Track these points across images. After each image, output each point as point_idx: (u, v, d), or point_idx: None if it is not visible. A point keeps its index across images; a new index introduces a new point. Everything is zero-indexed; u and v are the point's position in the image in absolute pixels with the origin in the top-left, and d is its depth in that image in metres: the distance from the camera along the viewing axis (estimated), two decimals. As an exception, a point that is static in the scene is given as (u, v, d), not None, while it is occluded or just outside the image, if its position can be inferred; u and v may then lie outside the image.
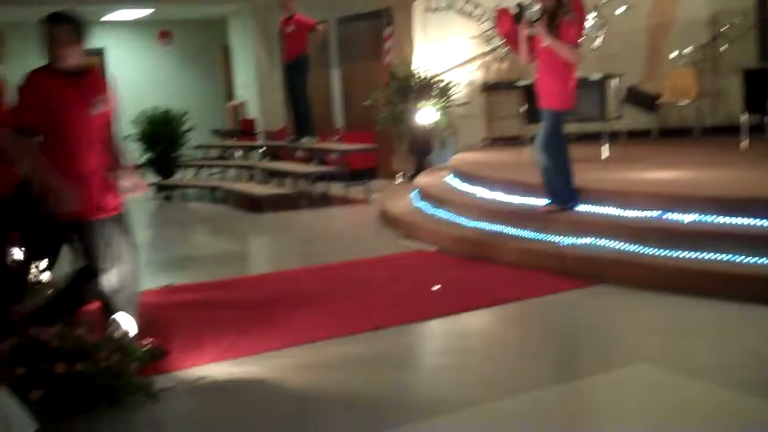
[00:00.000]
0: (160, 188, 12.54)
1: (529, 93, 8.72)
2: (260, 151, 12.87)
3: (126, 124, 14.36)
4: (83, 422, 3.72)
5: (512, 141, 10.74)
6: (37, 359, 3.69)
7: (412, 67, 11.26)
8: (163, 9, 15.43)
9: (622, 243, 6.00)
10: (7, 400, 2.16)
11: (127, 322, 4.21)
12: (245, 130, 14.79)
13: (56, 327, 3.84)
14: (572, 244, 6.30)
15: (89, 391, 3.75)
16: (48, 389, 3.65)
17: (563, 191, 6.61)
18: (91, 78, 4.42)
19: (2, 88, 4.87)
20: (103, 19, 16.06)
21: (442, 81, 11.17)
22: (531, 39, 6.55)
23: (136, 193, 4.72)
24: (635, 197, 6.40)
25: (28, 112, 4.21)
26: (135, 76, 17.00)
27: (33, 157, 4.16)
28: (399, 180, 11.46)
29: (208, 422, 3.81)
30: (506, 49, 10.87)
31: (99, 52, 16.89)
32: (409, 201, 9.11)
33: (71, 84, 4.29)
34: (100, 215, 4.40)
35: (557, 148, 6.54)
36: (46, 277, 5.99)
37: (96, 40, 16.51)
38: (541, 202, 6.85)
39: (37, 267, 5.89)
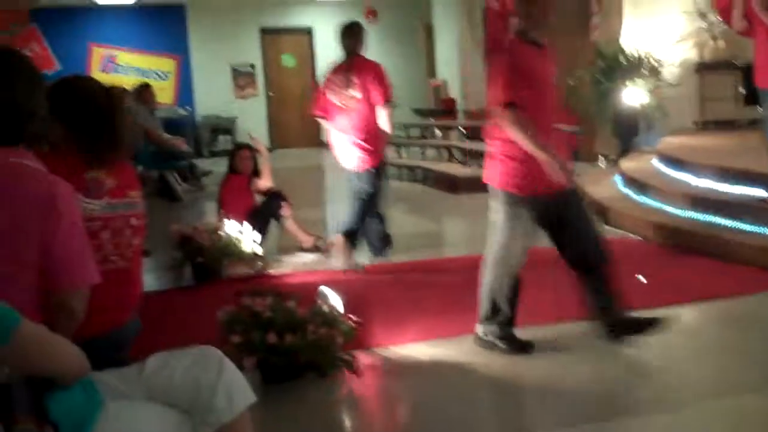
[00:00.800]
0: None
1: (748, 73, 8.24)
2: (461, 130, 12.88)
3: None
4: (291, 390, 3.89)
5: (727, 124, 10.18)
6: (251, 329, 3.89)
7: (621, 44, 10.84)
8: None
9: None
10: (233, 371, 2.29)
11: (333, 297, 4.35)
12: (446, 109, 14.89)
13: (269, 298, 4.03)
14: (793, 238, 5.87)
15: (297, 362, 3.91)
16: (260, 358, 3.85)
17: None
18: (548, 47, 4.31)
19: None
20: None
21: (652, 59, 10.69)
22: (746, 4, 6.03)
23: None
24: None
25: (515, 86, 4.06)
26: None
27: (531, 135, 4.01)
28: (602, 163, 11.14)
29: (408, 399, 3.88)
30: (722, 25, 10.49)
31: (308, 31, 17.62)
32: (613, 186, 8.85)
33: (542, 53, 4.22)
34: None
35: None
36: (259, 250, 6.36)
37: (305, 18, 17.36)
38: (761, 192, 6.42)
39: (254, 240, 6.28)
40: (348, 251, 6.13)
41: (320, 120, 6.51)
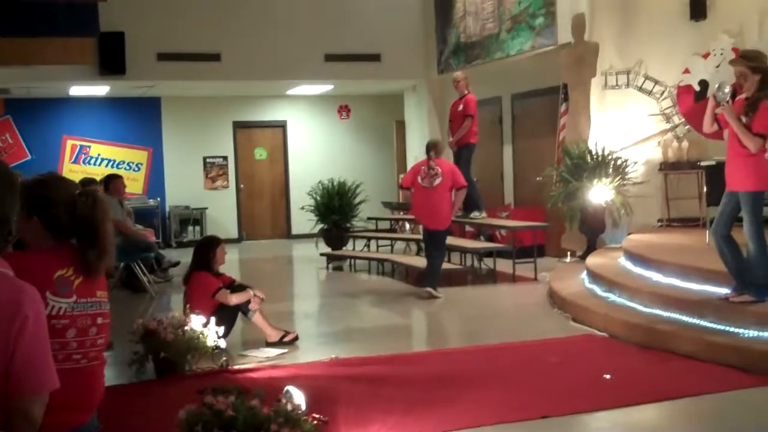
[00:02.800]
0: (331, 258, 12.88)
1: (712, 173, 8.40)
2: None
3: (302, 195, 15.01)
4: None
5: (690, 223, 10.34)
6: (212, 428, 3.80)
7: (587, 144, 11.09)
8: (342, 85, 16.10)
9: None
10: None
11: (298, 395, 4.28)
12: None
13: (232, 396, 3.95)
14: (755, 337, 5.91)
15: (259, 462, 3.81)
16: (221, 458, 3.75)
17: (764, 280, 6.20)
18: None
19: None
20: (288, 92, 16.94)
21: (618, 159, 10.91)
22: (717, 114, 6.29)
23: None
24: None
25: None
26: (314, 148, 17.89)
27: None
28: (569, 259, 11.23)
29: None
30: (686, 127, 10.73)
31: (281, 125, 17.87)
32: (579, 282, 8.92)
33: None
34: None
35: (758, 233, 6.16)
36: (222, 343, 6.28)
37: (279, 113, 17.65)
38: (723, 290, 6.51)
39: (219, 335, 6.21)
40: None
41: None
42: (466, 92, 11.41)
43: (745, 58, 6.23)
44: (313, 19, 14.56)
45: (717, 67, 10.15)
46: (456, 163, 10.88)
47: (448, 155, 11.17)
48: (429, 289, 9.53)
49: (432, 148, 9.70)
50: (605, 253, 9.84)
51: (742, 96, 6.23)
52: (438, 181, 9.49)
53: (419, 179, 9.60)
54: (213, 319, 6.26)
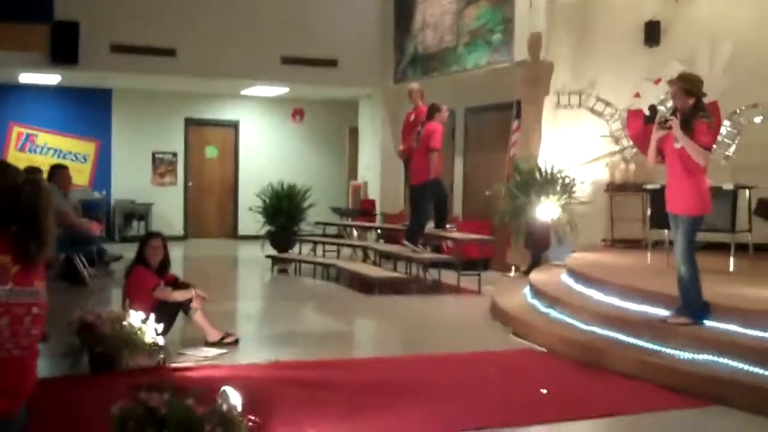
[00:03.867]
0: (277, 261, 12.76)
1: (656, 197, 8.55)
2: (377, 232, 12.97)
3: (250, 196, 14.92)
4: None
5: (633, 244, 10.50)
6: (145, 426, 3.73)
7: (537, 161, 11.22)
8: (297, 89, 16.03)
9: (744, 363, 5.67)
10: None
11: (234, 396, 4.23)
12: (364, 210, 15.08)
13: (167, 394, 3.89)
14: (690, 359, 6.01)
15: (191, 462, 3.76)
16: (152, 456, 3.69)
17: (697, 304, 6.35)
18: None
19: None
20: (242, 93, 16.82)
21: (566, 177, 11.06)
22: (661, 140, 6.41)
23: None
24: (761, 315, 6.10)
25: None
26: (265, 150, 17.82)
27: None
28: (513, 274, 11.35)
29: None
30: (634, 150, 10.90)
31: (234, 125, 17.73)
32: (522, 296, 8.98)
33: None
34: None
35: (692, 257, 6.33)
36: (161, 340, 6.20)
37: (233, 112, 17.55)
38: (662, 311, 6.62)
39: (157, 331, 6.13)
40: None
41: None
42: (419, 103, 11.50)
43: (682, 80, 6.36)
44: (272, 20, 14.52)
45: (667, 93, 10.31)
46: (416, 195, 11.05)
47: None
48: (405, 242, 10.96)
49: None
50: (549, 270, 9.92)
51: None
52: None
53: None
54: (152, 316, 6.18)
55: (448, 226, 11.29)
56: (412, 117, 11.53)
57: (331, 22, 14.82)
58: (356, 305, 9.84)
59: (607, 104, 11.22)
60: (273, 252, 13.17)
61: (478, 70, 12.48)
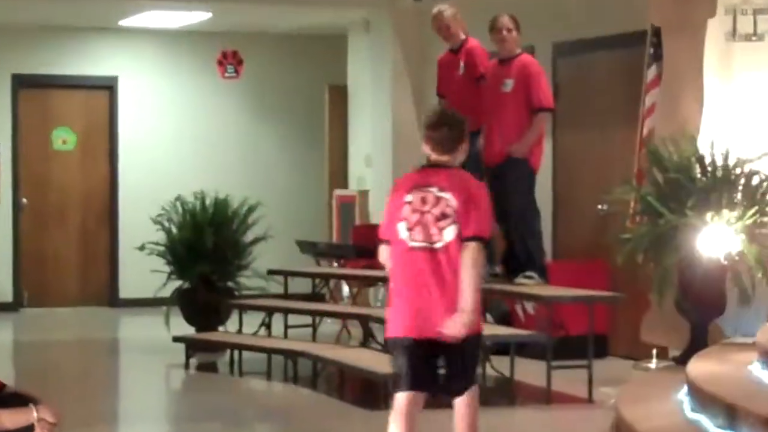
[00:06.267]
0: (196, 347, 9.05)
1: None
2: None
3: (142, 222, 10.10)
4: None
5: None
6: None
7: (696, 145, 7.95)
8: (228, 12, 11.30)
9: None
10: None
11: None
12: (361, 245, 10.43)
13: None
14: None
15: None
16: None
17: None
18: None
19: None
20: (121, 23, 11.83)
21: (755, 174, 7.84)
22: None
23: None
24: None
25: None
26: (169, 131, 12.58)
27: None
28: (654, 363, 8.58)
29: None
30: None
31: (108, 85, 12.40)
32: (674, 406, 6.76)
33: None
34: None
35: None
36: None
37: (104, 61, 12.00)
38: None
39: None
40: None
41: None
42: (462, 37, 8.31)
43: None
44: None
45: None
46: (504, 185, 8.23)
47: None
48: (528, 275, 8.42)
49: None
50: (725, 354, 7.73)
51: None
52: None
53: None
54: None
55: (528, 274, 8.27)
56: (461, 67, 8.26)
57: None
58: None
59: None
60: (188, 330, 9.34)
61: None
